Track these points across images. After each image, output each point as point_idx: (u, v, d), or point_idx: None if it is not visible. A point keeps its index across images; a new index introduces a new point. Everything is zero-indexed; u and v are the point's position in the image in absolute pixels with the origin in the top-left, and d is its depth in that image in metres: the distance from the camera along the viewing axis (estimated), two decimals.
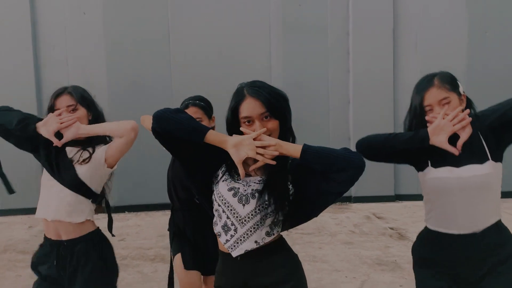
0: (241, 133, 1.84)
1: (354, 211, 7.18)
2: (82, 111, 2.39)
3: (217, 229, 1.91)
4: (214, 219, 1.94)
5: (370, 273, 4.50)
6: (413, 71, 7.64)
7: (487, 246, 2.16)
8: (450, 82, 2.21)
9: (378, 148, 2.25)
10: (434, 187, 2.20)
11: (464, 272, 2.19)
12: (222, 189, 1.87)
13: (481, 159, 2.14)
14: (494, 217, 2.19)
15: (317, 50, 7.94)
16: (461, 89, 2.23)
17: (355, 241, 5.60)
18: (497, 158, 2.16)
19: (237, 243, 1.86)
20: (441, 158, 2.17)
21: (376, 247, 5.28)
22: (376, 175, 7.36)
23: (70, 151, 2.37)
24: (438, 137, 2.09)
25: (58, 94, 2.41)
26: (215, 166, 1.93)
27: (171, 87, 7.15)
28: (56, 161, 2.35)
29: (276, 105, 1.85)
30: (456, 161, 2.13)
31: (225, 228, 1.88)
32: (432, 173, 2.19)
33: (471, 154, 2.14)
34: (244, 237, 1.86)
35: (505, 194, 7.62)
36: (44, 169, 2.41)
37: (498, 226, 2.20)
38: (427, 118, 2.18)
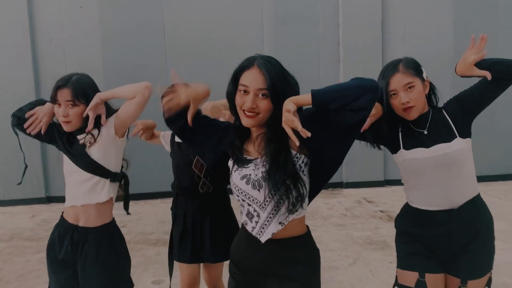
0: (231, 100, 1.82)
1: (345, 196, 7.34)
2: (79, 108, 2.28)
3: (243, 218, 1.90)
4: (241, 209, 1.91)
5: (361, 252, 4.71)
6: None
7: (464, 221, 2.17)
8: (414, 67, 2.21)
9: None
10: (408, 168, 2.23)
11: (441, 247, 2.22)
12: (236, 179, 1.83)
13: (449, 138, 2.15)
14: (470, 193, 2.21)
15: (308, 40, 7.91)
16: (424, 75, 2.24)
17: (346, 223, 5.78)
18: (465, 134, 2.19)
19: (263, 228, 1.82)
20: (411, 141, 2.21)
21: (367, 228, 5.48)
22: (367, 161, 7.49)
23: (80, 138, 2.34)
24: (466, 61, 2.17)
25: (59, 87, 2.29)
26: (223, 148, 1.91)
27: (166, 76, 7.16)
28: (71, 149, 2.34)
29: (278, 88, 1.71)
30: (425, 142, 2.17)
31: (249, 215, 1.85)
32: (404, 155, 2.21)
33: (439, 134, 2.17)
34: (268, 221, 1.81)
35: (490, 178, 7.81)
36: (64, 158, 2.40)
37: (475, 201, 2.22)
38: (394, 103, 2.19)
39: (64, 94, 2.25)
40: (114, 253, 2.38)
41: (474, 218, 2.20)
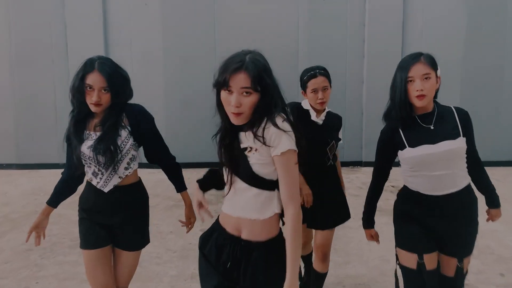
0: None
1: (363, 173, 7.68)
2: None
3: (89, 176, 2.30)
4: (87, 170, 2.30)
5: None
6: None
7: (459, 204, 2.19)
8: (432, 62, 2.17)
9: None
10: (415, 163, 2.19)
11: (436, 226, 2.22)
12: (85, 149, 2.25)
13: (454, 136, 2.15)
14: (466, 181, 2.23)
15: (337, 38, 8.12)
16: (439, 71, 2.20)
17: (361, 194, 6.08)
18: (464, 135, 2.19)
19: (106, 181, 2.25)
20: (416, 138, 2.19)
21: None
22: None
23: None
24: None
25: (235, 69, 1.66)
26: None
27: (214, 64, 7.77)
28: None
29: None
30: (431, 140, 2.16)
31: (94, 174, 2.26)
32: (411, 152, 2.19)
33: (445, 131, 2.16)
34: (110, 176, 2.25)
35: (493, 163, 7.87)
36: None
37: (468, 188, 2.24)
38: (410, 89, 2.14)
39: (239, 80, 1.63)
40: (280, 268, 1.68)
41: (466, 203, 2.23)
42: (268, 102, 1.67)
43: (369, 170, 8.32)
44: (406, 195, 2.32)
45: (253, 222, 1.77)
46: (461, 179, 2.20)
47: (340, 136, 2.99)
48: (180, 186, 2.51)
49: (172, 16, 8.07)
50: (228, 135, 1.77)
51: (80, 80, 2.15)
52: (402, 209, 2.34)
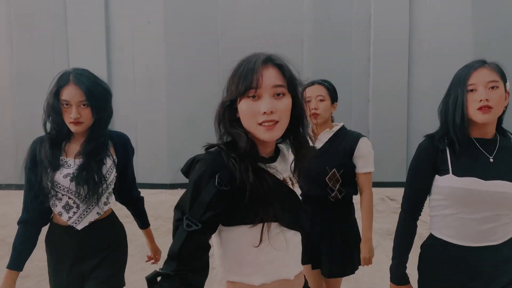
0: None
1: None
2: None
3: (58, 210, 1.94)
4: (55, 203, 1.92)
5: (380, 241, 4.91)
6: (425, 76, 7.85)
7: (503, 259, 1.71)
8: (501, 71, 1.72)
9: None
10: (455, 197, 1.70)
11: (476, 287, 1.73)
12: (62, 179, 1.92)
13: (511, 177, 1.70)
14: (510, 233, 1.75)
15: (342, 56, 7.99)
16: (508, 85, 1.73)
17: None
18: None
19: (81, 217, 1.94)
20: (465, 166, 1.70)
21: (388, 222, 5.65)
22: (391, 163, 7.66)
23: None
24: None
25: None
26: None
27: (218, 82, 7.68)
28: None
29: None
30: (484, 173, 1.67)
31: (66, 207, 1.93)
32: (453, 181, 1.69)
33: (505, 169, 1.70)
34: (85, 213, 1.95)
35: None
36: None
37: None
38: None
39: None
40: None
41: (510, 259, 1.74)
42: (297, 115, 1.29)
43: (376, 190, 8.25)
44: (432, 247, 1.83)
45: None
46: (506, 231, 1.71)
47: (356, 161, 2.39)
48: (146, 221, 2.33)
49: (175, 34, 8.03)
50: (254, 166, 1.23)
51: (54, 97, 1.85)
52: (429, 268, 1.85)
